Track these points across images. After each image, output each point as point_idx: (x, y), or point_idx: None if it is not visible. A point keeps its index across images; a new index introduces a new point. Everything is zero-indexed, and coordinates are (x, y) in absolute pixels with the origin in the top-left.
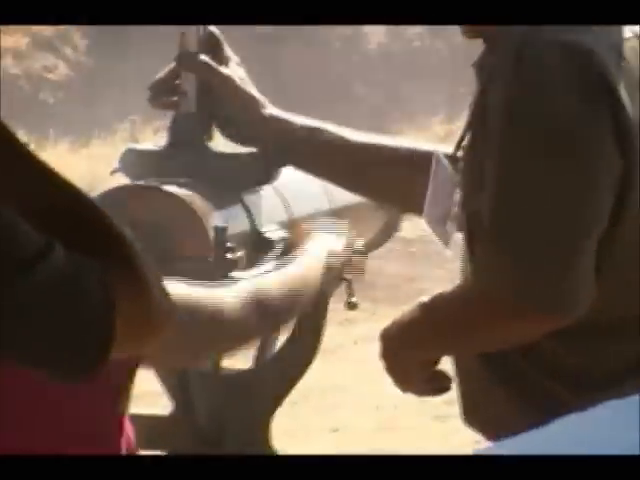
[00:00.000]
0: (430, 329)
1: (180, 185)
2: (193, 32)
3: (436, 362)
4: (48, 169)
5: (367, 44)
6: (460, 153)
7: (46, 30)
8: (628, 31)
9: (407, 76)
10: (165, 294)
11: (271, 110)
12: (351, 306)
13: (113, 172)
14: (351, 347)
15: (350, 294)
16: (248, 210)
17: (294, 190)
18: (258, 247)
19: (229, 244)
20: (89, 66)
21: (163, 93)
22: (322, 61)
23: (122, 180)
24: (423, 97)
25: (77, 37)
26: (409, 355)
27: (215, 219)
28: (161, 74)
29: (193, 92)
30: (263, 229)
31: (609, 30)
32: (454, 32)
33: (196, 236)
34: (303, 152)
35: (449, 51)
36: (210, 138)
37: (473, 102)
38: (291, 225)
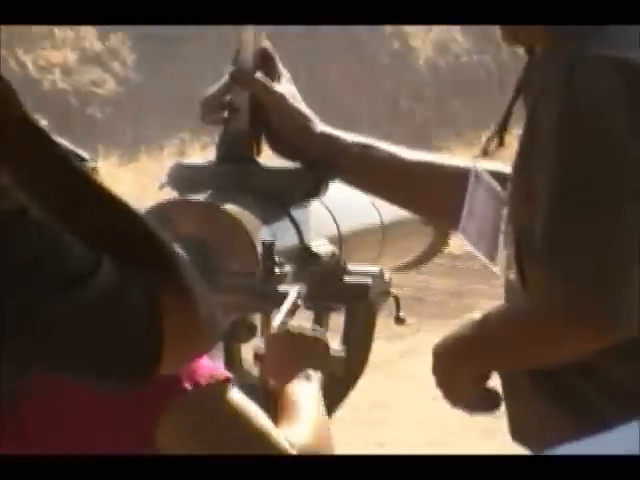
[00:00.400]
0: (482, 345)
1: (228, 200)
2: (248, 48)
3: (487, 378)
4: (97, 184)
5: (415, 59)
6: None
7: (95, 45)
8: None
9: (455, 91)
10: (213, 309)
11: (321, 127)
12: (399, 321)
13: (162, 187)
14: (398, 362)
15: (398, 309)
16: (296, 225)
17: (343, 205)
18: (306, 262)
19: (277, 259)
20: (137, 81)
21: (214, 109)
22: (370, 77)
23: (170, 194)
24: (471, 112)
25: (125, 52)
26: (461, 371)
27: (263, 234)
28: (213, 89)
29: (245, 108)
30: (311, 243)
31: None
32: (501, 47)
33: (244, 251)
34: (353, 168)
35: (496, 66)
36: (259, 153)
37: (525, 121)
38: (339, 240)
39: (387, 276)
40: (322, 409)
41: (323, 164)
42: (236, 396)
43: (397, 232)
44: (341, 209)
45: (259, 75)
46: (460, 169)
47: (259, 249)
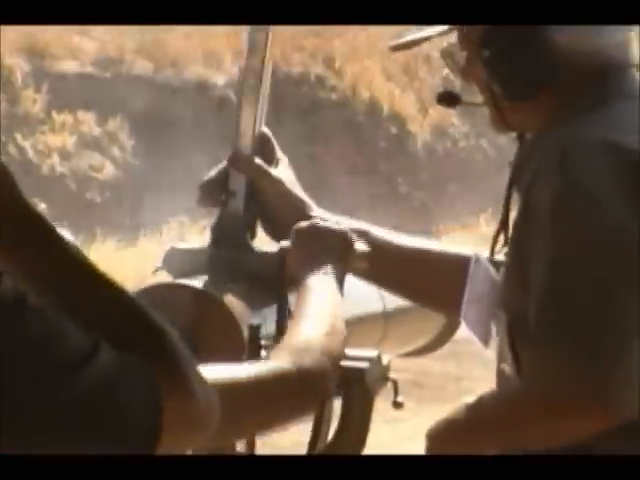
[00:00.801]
0: (476, 429)
1: (220, 284)
2: (247, 132)
3: None
4: (95, 269)
5: (413, 144)
6: (497, 254)
7: (93, 130)
8: None
9: (453, 175)
10: (210, 395)
11: (317, 212)
12: (397, 405)
13: (156, 270)
14: (396, 445)
15: (396, 393)
16: (289, 309)
17: (346, 290)
18: None
19: (263, 342)
20: (136, 165)
21: (212, 193)
22: (367, 160)
23: (165, 279)
24: (469, 196)
25: (124, 136)
26: (453, 454)
27: (254, 317)
28: (212, 173)
29: (242, 192)
30: None
31: None
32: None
33: (230, 333)
34: None
35: (494, 150)
36: (253, 237)
37: (519, 205)
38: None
39: (386, 361)
40: (335, 300)
41: None
42: None
43: (402, 318)
44: (345, 294)
45: (257, 160)
46: (458, 256)
47: (245, 332)
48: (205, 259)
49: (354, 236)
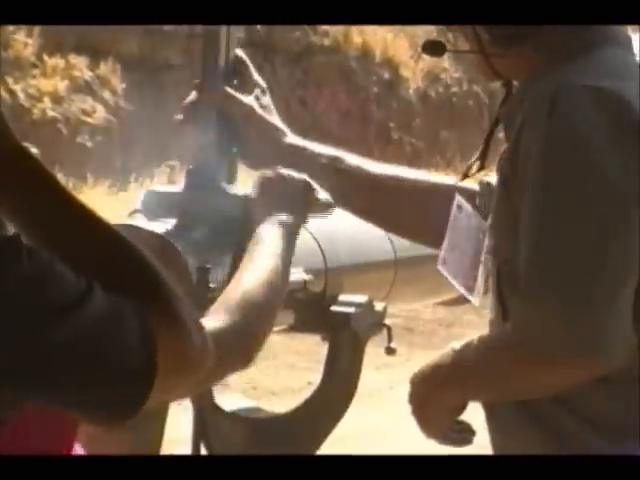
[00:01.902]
0: (460, 374)
1: (194, 225)
2: (220, 54)
3: (461, 410)
4: (87, 210)
5: (405, 90)
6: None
7: (85, 74)
8: None
9: (445, 121)
10: (205, 336)
11: (291, 138)
12: (390, 351)
13: (132, 213)
14: (387, 392)
15: (390, 339)
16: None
17: (345, 237)
18: None
19: (212, 285)
20: (127, 110)
21: (187, 121)
22: (360, 106)
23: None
24: (461, 142)
25: (116, 80)
26: (436, 399)
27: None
28: (186, 101)
29: (213, 120)
30: None
31: (637, 75)
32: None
33: (178, 274)
34: (320, 179)
35: (487, 95)
36: (232, 181)
37: (505, 151)
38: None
39: (379, 307)
40: (280, 253)
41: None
42: None
43: (414, 270)
44: (337, 241)
45: (225, 88)
46: (437, 186)
47: (194, 274)
48: (179, 202)
49: (315, 185)
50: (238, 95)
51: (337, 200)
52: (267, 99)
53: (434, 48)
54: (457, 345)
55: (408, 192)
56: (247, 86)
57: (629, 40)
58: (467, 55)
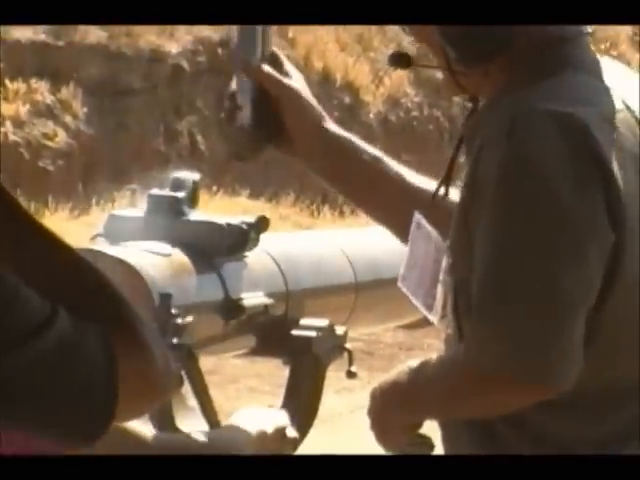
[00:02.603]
0: (416, 393)
1: (146, 251)
2: (255, 39)
3: (419, 427)
4: (50, 234)
5: (366, 114)
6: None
7: (46, 98)
8: (619, 103)
9: (406, 145)
10: (167, 358)
11: (334, 127)
12: (350, 375)
13: (94, 237)
14: (347, 415)
15: (351, 363)
16: (222, 278)
17: (307, 261)
18: (232, 314)
19: (174, 311)
20: (89, 134)
21: (231, 109)
22: None
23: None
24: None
25: (77, 105)
26: (394, 416)
27: (189, 286)
28: (229, 88)
29: (248, 105)
30: (241, 296)
31: (600, 101)
32: (452, 101)
33: (142, 301)
34: (359, 174)
35: (447, 120)
36: (194, 205)
37: (466, 171)
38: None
39: (340, 331)
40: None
41: (324, 162)
42: None
43: (376, 291)
44: (298, 264)
45: (266, 67)
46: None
47: (157, 301)
48: (140, 226)
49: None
50: (279, 76)
51: (356, 198)
52: (305, 85)
53: (400, 60)
54: (413, 363)
55: (442, 210)
56: (282, 74)
57: (597, 65)
58: (428, 79)
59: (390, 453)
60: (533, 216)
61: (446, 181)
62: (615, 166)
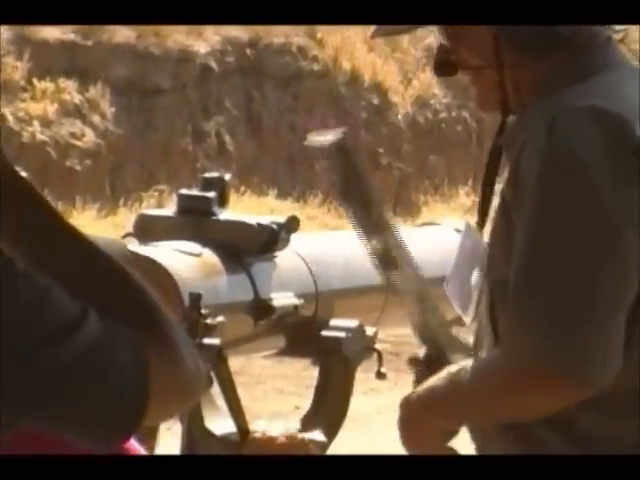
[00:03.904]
0: (454, 397)
1: (177, 250)
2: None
3: (454, 434)
4: (81, 236)
5: (394, 115)
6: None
7: (74, 97)
8: None
9: (434, 146)
10: (197, 360)
11: None
12: (380, 376)
13: (124, 236)
14: (375, 417)
15: (380, 364)
16: (252, 278)
17: (336, 263)
18: (262, 314)
19: (204, 310)
20: (117, 134)
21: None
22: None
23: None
24: (450, 167)
25: (105, 105)
26: (430, 421)
27: (220, 286)
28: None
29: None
30: (270, 296)
31: (637, 99)
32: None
33: (172, 301)
34: None
35: (475, 121)
36: (224, 205)
37: (507, 173)
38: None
39: (370, 332)
40: None
41: None
42: None
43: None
44: (328, 265)
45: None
46: None
47: (187, 301)
48: (170, 226)
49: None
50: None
51: None
52: None
53: (447, 68)
54: (452, 368)
55: None
56: None
57: (631, 66)
58: (457, 80)
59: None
60: (573, 211)
61: (483, 212)
62: None
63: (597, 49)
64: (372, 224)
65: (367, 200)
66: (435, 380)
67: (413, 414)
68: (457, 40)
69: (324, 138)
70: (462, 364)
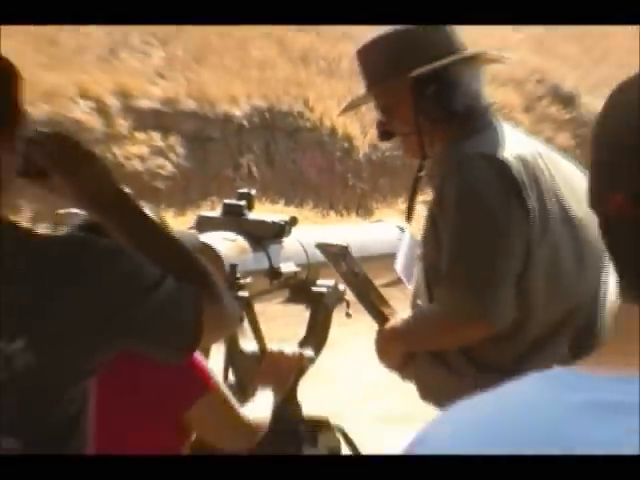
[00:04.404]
0: (410, 332)
1: (225, 239)
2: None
3: (409, 353)
4: (165, 229)
5: (357, 154)
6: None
7: (158, 143)
8: (529, 146)
9: (382, 173)
10: (234, 304)
11: None
12: (348, 315)
13: (189, 229)
14: (344, 341)
15: (348, 307)
16: (268, 254)
17: (313, 245)
18: (274, 277)
19: (238, 275)
20: (186, 166)
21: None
22: (329, 164)
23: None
24: (393, 186)
25: (178, 148)
26: (395, 345)
27: (246, 259)
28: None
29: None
30: (280, 266)
31: (516, 146)
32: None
33: (218, 269)
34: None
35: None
36: (251, 209)
37: (434, 195)
38: (308, 264)
39: (341, 288)
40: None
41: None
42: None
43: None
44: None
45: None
46: None
47: (227, 269)
48: (217, 223)
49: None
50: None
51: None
52: None
53: (385, 135)
54: (405, 314)
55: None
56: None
57: (506, 125)
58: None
59: (388, 368)
60: (476, 221)
61: (409, 210)
62: (525, 186)
63: (480, 115)
64: (367, 301)
65: (362, 284)
66: (400, 321)
67: (386, 341)
68: (390, 116)
69: (332, 246)
70: (414, 312)
